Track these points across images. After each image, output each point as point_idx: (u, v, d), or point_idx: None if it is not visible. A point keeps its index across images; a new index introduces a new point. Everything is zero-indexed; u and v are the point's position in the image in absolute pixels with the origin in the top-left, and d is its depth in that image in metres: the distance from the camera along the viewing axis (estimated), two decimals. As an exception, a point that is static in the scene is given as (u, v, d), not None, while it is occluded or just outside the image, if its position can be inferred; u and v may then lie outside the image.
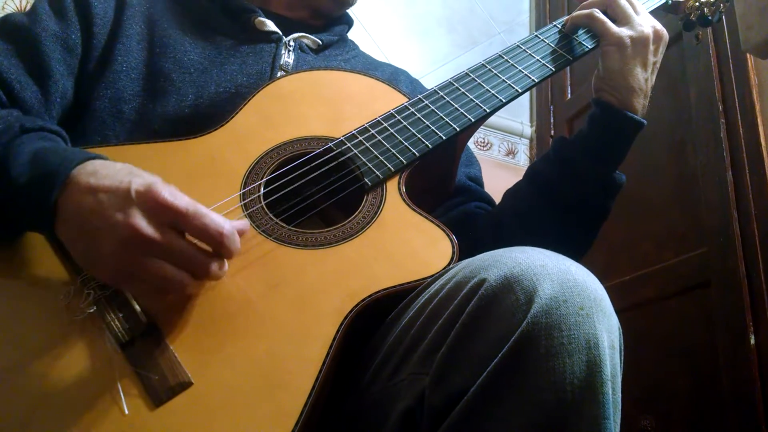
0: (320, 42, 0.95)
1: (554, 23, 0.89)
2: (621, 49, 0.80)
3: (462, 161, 0.96)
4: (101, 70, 0.81)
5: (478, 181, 0.98)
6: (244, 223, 0.63)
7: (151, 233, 0.55)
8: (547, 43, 0.86)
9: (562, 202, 0.81)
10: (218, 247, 0.58)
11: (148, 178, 0.57)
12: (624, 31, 0.81)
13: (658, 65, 0.83)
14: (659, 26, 0.83)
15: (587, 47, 0.85)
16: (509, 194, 0.89)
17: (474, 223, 0.89)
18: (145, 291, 0.59)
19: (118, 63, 0.82)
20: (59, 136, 0.69)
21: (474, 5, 2.35)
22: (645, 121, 0.81)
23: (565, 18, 0.88)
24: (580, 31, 0.87)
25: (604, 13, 0.84)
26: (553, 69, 0.83)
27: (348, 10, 1.03)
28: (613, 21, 0.83)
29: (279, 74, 0.88)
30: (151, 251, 0.55)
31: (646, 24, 0.82)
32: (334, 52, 0.98)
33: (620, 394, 0.52)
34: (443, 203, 0.91)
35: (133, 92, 0.81)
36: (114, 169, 0.59)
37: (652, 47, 0.81)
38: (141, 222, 0.55)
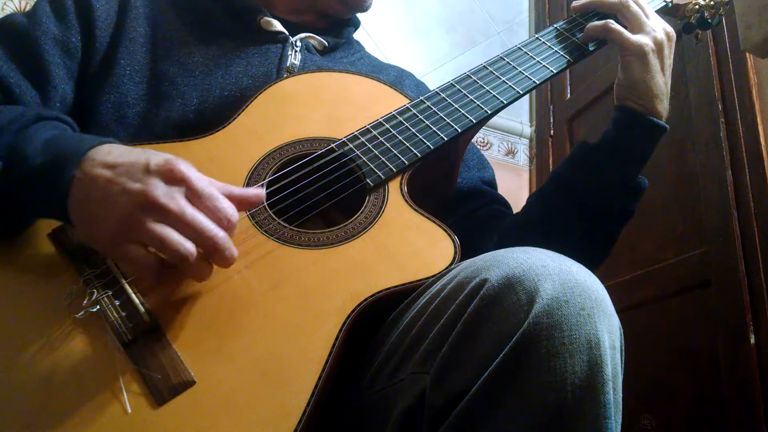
0: (326, 44, 0.95)
1: (554, 26, 0.89)
2: (642, 58, 0.80)
3: (474, 165, 0.96)
4: (104, 74, 0.80)
5: (492, 185, 0.98)
6: (257, 192, 0.63)
7: (166, 201, 0.55)
8: (548, 45, 0.86)
9: (588, 206, 0.81)
10: (224, 226, 0.57)
11: (165, 155, 0.58)
12: (642, 39, 0.81)
13: (672, 65, 0.84)
14: (668, 27, 0.83)
15: (589, 49, 0.85)
16: (535, 198, 0.89)
17: (500, 224, 0.89)
18: (144, 262, 0.56)
19: (121, 66, 0.81)
20: (71, 128, 0.70)
21: (473, 5, 2.35)
22: (668, 126, 0.82)
23: (562, 22, 0.88)
24: (578, 33, 0.87)
25: (615, 19, 0.84)
26: (554, 71, 0.83)
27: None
28: (625, 27, 0.83)
29: (285, 76, 0.86)
30: (162, 219, 0.55)
31: (659, 28, 0.82)
32: (340, 54, 0.97)
33: (621, 394, 0.52)
34: (446, 203, 0.91)
35: (136, 96, 0.80)
36: (129, 149, 0.60)
37: (667, 51, 0.82)
38: (157, 190, 0.55)
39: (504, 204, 0.95)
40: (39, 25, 0.78)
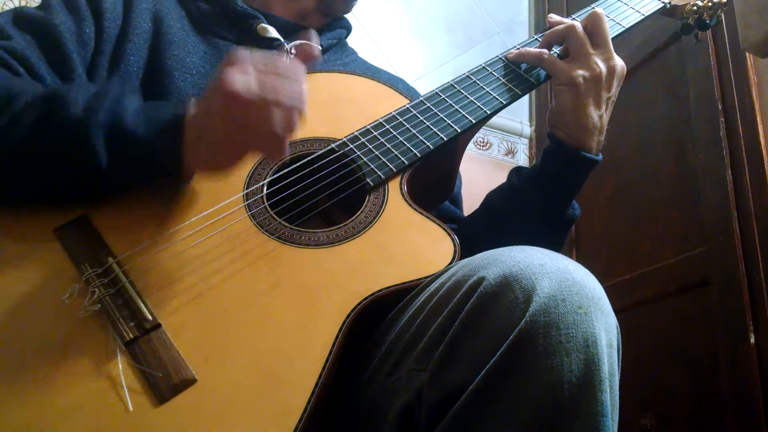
0: (319, 47, 0.95)
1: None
2: (573, 89, 0.79)
3: None
4: (113, 70, 0.80)
5: (455, 199, 0.97)
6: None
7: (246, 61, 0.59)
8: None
9: (515, 237, 0.77)
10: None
11: None
12: (575, 71, 0.79)
13: (614, 99, 0.82)
14: (615, 60, 0.80)
15: None
16: (466, 220, 0.91)
17: None
18: (281, 121, 0.58)
19: (130, 63, 0.81)
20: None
21: (473, 5, 2.36)
22: (599, 158, 0.81)
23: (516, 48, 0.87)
24: None
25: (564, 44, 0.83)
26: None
27: (347, 15, 1.03)
28: (567, 54, 0.82)
29: None
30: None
31: (601, 60, 0.79)
32: (333, 57, 0.98)
33: (618, 393, 0.52)
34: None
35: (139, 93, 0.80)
36: None
37: (605, 84, 0.79)
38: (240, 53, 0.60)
39: (456, 220, 0.94)
40: (56, 16, 0.79)
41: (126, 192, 0.67)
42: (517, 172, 0.86)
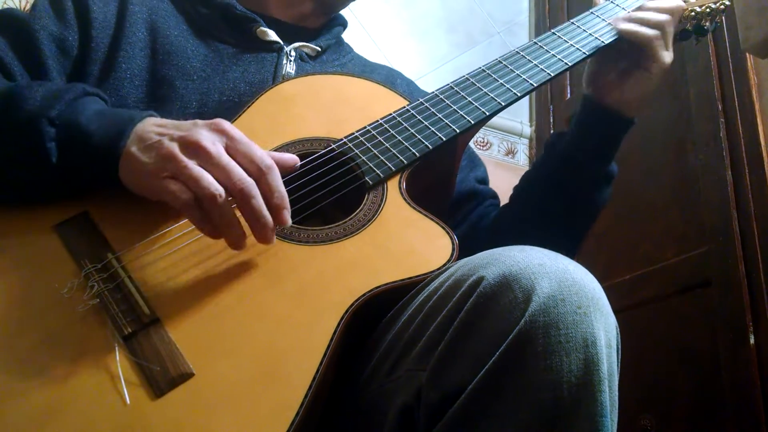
0: (318, 48, 0.96)
1: (552, 31, 0.89)
2: (660, 75, 0.84)
3: (465, 166, 0.97)
4: (104, 77, 0.81)
5: (485, 181, 1.01)
6: (291, 156, 0.68)
7: (207, 143, 0.60)
8: (545, 49, 0.86)
9: (568, 196, 0.86)
10: (259, 173, 0.61)
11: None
12: (668, 60, 0.84)
13: None
14: None
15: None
16: (516, 196, 0.94)
17: (491, 220, 0.94)
18: (180, 197, 0.59)
19: (122, 70, 0.82)
20: (107, 104, 0.73)
21: (473, 5, 2.36)
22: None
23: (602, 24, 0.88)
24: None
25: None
26: (551, 74, 0.84)
27: (342, 12, 1.03)
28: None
29: (280, 81, 0.87)
30: (200, 160, 0.60)
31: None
32: (332, 57, 0.98)
33: (617, 393, 0.52)
34: (445, 203, 0.92)
35: (136, 99, 0.81)
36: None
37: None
38: (201, 134, 0.61)
39: (494, 197, 0.99)
40: (38, 20, 0.80)
41: (83, 193, 0.67)
42: (559, 137, 0.90)
